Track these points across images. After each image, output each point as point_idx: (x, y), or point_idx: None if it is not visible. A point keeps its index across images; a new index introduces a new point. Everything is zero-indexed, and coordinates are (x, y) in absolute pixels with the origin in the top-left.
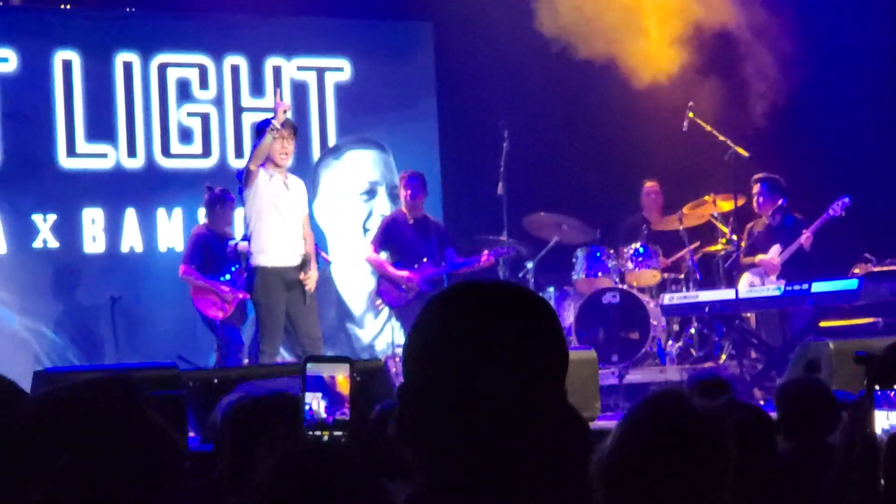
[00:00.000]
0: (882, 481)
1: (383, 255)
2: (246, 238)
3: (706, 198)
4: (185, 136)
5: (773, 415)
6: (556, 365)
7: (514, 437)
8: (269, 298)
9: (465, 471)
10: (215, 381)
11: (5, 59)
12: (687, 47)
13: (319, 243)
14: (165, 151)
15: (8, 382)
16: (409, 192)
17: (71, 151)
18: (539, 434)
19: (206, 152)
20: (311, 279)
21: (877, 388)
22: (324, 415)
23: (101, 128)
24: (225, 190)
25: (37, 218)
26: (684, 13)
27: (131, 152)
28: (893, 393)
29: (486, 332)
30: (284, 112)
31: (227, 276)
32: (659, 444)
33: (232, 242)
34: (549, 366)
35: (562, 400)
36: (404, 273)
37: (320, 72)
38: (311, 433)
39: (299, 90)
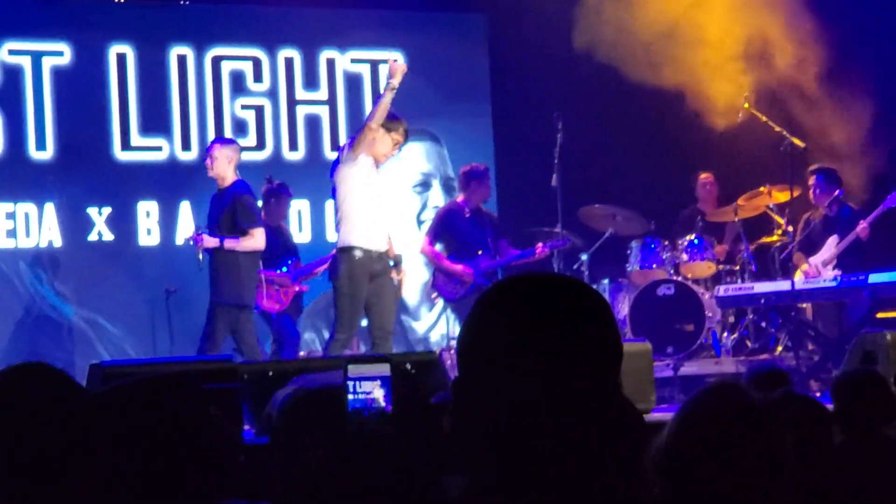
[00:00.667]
0: None
1: (438, 247)
2: (206, 232)
3: (761, 189)
4: (240, 128)
5: (830, 406)
6: (611, 358)
7: (569, 431)
8: (353, 287)
9: (520, 465)
10: (270, 373)
11: (60, 53)
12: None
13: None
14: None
15: (60, 374)
16: (480, 183)
17: (126, 145)
18: (594, 427)
19: (260, 145)
20: (404, 275)
21: None
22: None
23: (155, 121)
24: (282, 183)
25: (92, 211)
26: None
27: (186, 145)
28: None
29: (539, 326)
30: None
31: (284, 269)
32: (716, 437)
33: (192, 235)
34: (604, 359)
35: (617, 393)
36: (459, 266)
37: (374, 64)
38: (353, 423)
39: (353, 83)
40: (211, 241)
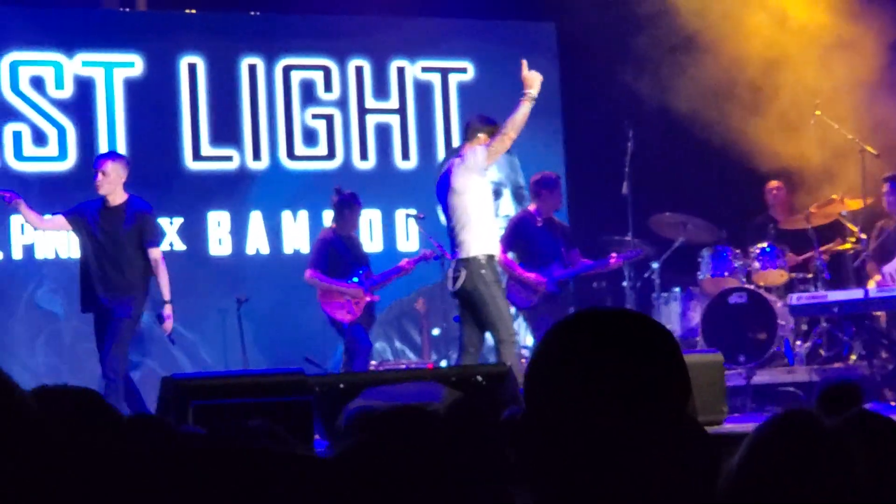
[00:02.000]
0: None
1: (511, 256)
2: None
3: (834, 196)
4: (310, 138)
5: None
6: (677, 391)
7: (634, 462)
8: (492, 289)
9: (585, 493)
10: (342, 385)
11: (131, 64)
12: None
13: (445, 245)
14: (290, 154)
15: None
16: (551, 191)
17: (196, 155)
18: (661, 457)
19: (331, 154)
20: None
21: None
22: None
23: (226, 131)
24: (353, 193)
25: (163, 221)
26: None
27: (256, 155)
28: None
29: (606, 360)
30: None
31: (355, 280)
32: (784, 470)
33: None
34: (670, 392)
35: (685, 424)
36: (532, 274)
37: (444, 73)
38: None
39: (423, 91)
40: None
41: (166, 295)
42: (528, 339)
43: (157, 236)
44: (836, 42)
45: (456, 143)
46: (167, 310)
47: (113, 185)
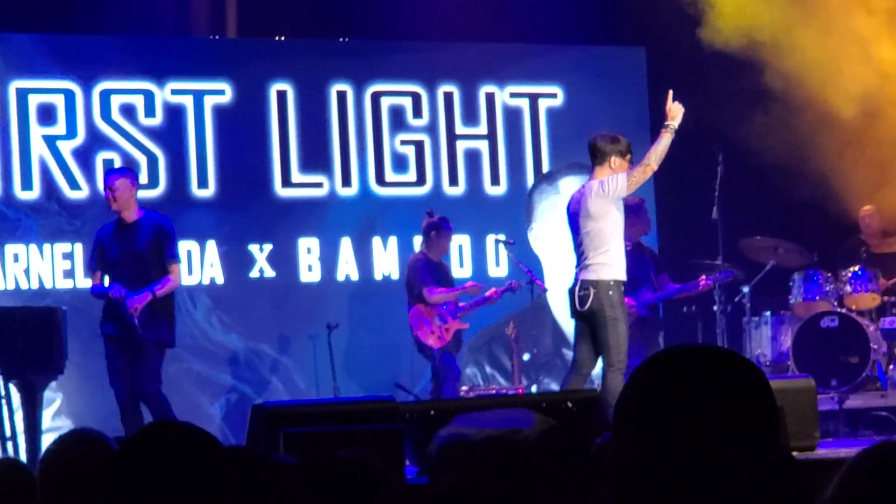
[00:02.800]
0: None
1: None
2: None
3: None
4: (400, 164)
5: None
6: (767, 424)
7: (726, 494)
8: (620, 312)
9: None
10: (432, 412)
11: (221, 92)
12: None
13: (535, 270)
14: (380, 180)
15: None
16: (637, 216)
17: (286, 181)
18: (752, 489)
19: (421, 180)
20: None
21: None
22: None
23: (315, 157)
24: (444, 217)
25: (253, 248)
26: None
27: (346, 181)
28: None
29: (695, 397)
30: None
31: (444, 306)
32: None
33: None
34: (759, 426)
35: (775, 454)
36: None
37: (533, 98)
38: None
39: (512, 116)
40: (143, 301)
41: (157, 288)
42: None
43: (176, 251)
44: None
45: (546, 168)
46: (141, 298)
47: (124, 201)
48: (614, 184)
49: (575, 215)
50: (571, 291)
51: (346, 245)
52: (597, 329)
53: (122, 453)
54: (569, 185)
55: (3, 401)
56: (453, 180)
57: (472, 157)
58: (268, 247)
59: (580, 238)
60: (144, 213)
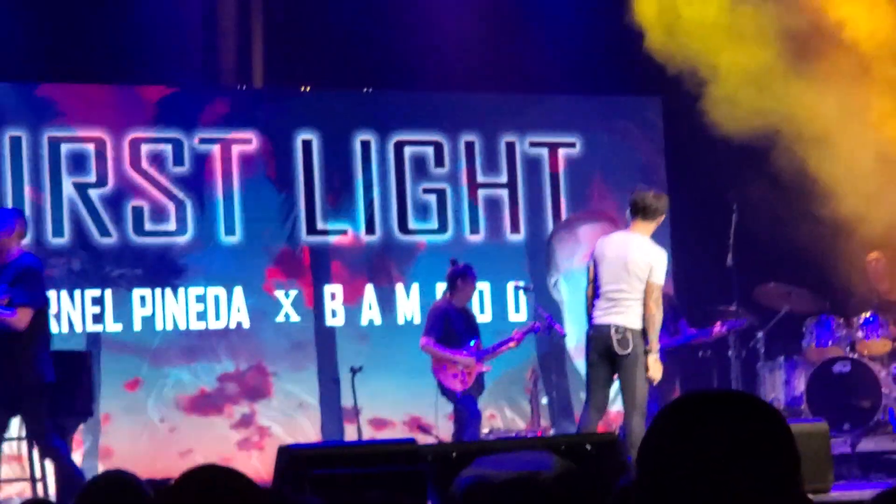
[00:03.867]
0: None
1: None
2: None
3: None
4: (422, 211)
5: None
6: (786, 465)
7: None
8: (644, 357)
9: None
10: (454, 454)
11: (248, 141)
12: None
13: (554, 315)
14: (402, 227)
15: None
16: None
17: (311, 229)
18: None
19: (443, 228)
20: None
21: None
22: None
23: (340, 205)
24: (468, 265)
25: (279, 293)
26: None
27: (370, 229)
28: None
29: (715, 441)
30: None
31: (469, 351)
32: None
33: None
34: (778, 467)
35: (793, 496)
36: None
37: (552, 147)
38: None
39: (532, 165)
40: None
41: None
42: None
43: (27, 295)
44: None
45: (564, 216)
46: None
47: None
48: (661, 267)
49: (616, 260)
50: (604, 333)
51: (369, 291)
52: (626, 372)
53: (164, 496)
54: (587, 232)
55: (36, 443)
56: (474, 228)
57: (493, 205)
58: (293, 292)
59: (618, 285)
60: (20, 255)
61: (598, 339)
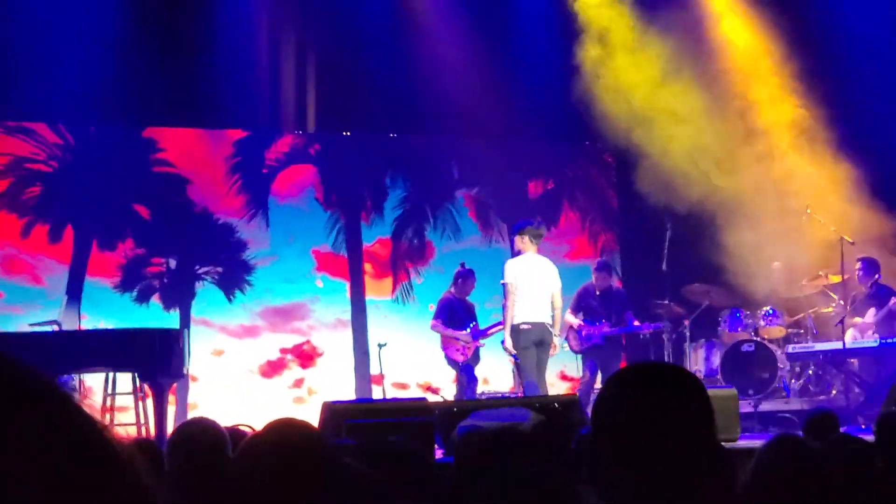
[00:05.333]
0: None
1: (579, 316)
2: None
3: (820, 273)
4: (434, 226)
5: (872, 438)
6: (704, 419)
7: (676, 469)
8: None
9: (639, 492)
10: (455, 409)
11: (302, 172)
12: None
13: None
14: (419, 237)
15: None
16: (602, 274)
17: (350, 237)
18: (694, 466)
19: (448, 238)
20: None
21: None
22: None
23: (372, 221)
24: (471, 269)
25: (325, 286)
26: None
27: (395, 238)
28: None
29: (653, 399)
30: None
31: (467, 330)
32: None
33: None
34: (699, 420)
35: (710, 442)
36: (585, 330)
37: (532, 180)
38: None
39: (517, 191)
40: None
41: None
42: (579, 368)
43: None
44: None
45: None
46: None
47: None
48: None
49: (549, 279)
50: (546, 330)
51: (392, 284)
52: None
53: (254, 440)
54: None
55: (140, 396)
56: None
57: (485, 222)
58: (336, 285)
59: (547, 296)
60: None
61: (546, 333)
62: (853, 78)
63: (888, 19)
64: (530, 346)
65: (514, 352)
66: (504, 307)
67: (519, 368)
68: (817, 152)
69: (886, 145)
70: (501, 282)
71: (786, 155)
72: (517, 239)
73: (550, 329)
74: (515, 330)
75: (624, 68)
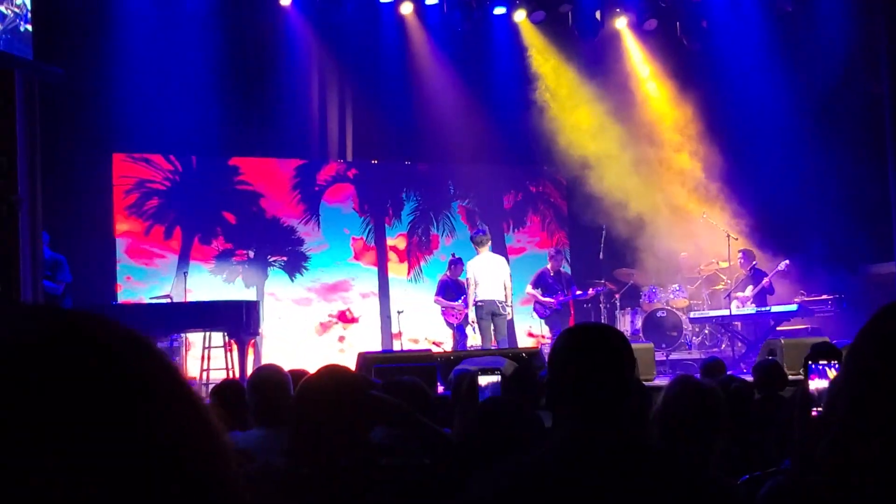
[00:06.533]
0: (813, 414)
1: (538, 291)
2: None
3: (713, 260)
4: (437, 228)
5: (751, 379)
6: (629, 364)
7: (608, 398)
8: None
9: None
10: (451, 357)
11: (344, 189)
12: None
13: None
14: (426, 236)
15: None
16: (555, 259)
17: (378, 235)
18: (621, 397)
19: (446, 236)
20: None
21: (810, 363)
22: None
23: (393, 224)
24: (459, 258)
25: (361, 267)
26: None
27: (409, 236)
28: (819, 367)
29: (590, 349)
30: None
31: (459, 301)
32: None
33: None
34: (626, 365)
35: (633, 381)
36: (548, 299)
37: (505, 194)
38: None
39: (494, 203)
40: None
41: None
42: (545, 331)
43: None
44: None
45: (510, 232)
46: None
47: None
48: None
49: (499, 269)
50: (496, 305)
51: (407, 268)
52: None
53: (310, 379)
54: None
55: (228, 349)
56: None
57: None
58: (368, 268)
59: (499, 282)
60: None
61: (487, 307)
62: (745, 140)
63: (780, 99)
64: (486, 317)
65: (474, 322)
66: (466, 293)
67: (480, 332)
68: (710, 192)
69: (763, 193)
70: (464, 278)
71: (686, 187)
72: (473, 245)
73: (500, 304)
74: (475, 307)
75: (568, 113)
